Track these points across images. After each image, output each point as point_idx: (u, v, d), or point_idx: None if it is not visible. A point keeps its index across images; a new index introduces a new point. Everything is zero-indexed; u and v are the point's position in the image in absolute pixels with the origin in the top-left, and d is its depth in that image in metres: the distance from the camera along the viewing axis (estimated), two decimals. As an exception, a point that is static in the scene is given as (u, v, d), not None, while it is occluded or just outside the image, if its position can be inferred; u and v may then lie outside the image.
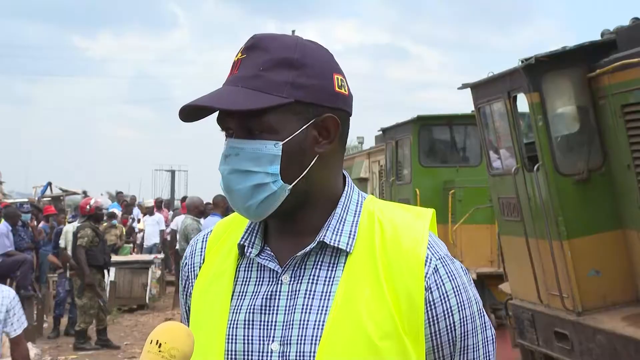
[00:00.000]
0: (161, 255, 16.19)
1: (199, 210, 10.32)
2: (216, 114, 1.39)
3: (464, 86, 7.43)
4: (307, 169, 1.38)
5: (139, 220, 19.17)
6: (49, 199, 21.31)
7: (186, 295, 1.54)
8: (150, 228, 17.54)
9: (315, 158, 1.39)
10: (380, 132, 13.48)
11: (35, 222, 14.23)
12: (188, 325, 1.48)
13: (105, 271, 10.68)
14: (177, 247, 11.11)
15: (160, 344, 1.23)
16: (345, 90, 1.42)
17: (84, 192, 24.61)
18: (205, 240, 1.53)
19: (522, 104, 6.45)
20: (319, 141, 1.39)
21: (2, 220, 11.39)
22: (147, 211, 18.33)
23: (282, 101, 1.34)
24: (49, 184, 23.25)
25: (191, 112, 1.38)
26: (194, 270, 1.52)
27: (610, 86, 5.83)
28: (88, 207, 10.31)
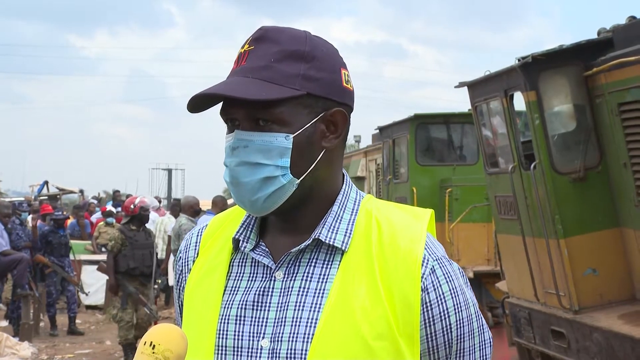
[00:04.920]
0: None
1: (194, 210, 10.12)
2: (219, 105, 1.37)
3: (461, 85, 7.42)
4: (314, 164, 1.36)
5: None
6: (46, 197, 21.29)
7: (179, 289, 1.52)
8: None
9: (322, 153, 1.38)
10: (377, 131, 13.47)
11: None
12: (182, 319, 1.47)
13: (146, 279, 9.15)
14: (172, 246, 11.01)
15: (154, 345, 1.22)
16: (351, 86, 1.42)
17: (81, 191, 24.59)
18: (200, 235, 1.51)
19: (519, 102, 6.46)
20: (327, 135, 1.38)
21: None
22: None
23: (295, 93, 1.33)
24: (46, 182, 23.25)
25: (199, 102, 1.36)
26: (187, 265, 1.50)
27: (607, 84, 5.83)
28: (132, 206, 9.07)
